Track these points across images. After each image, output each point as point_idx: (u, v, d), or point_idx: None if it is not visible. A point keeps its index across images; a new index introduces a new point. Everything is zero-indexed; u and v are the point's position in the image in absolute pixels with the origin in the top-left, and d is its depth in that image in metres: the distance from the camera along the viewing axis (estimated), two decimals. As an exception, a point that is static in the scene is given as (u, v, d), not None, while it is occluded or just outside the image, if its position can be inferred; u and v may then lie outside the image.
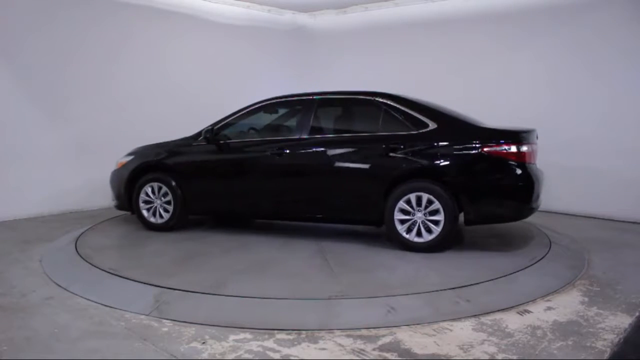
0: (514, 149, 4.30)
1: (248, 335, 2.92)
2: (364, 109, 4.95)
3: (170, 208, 5.18)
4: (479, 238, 4.93)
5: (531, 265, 4.08)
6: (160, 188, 5.21)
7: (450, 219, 4.33)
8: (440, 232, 4.35)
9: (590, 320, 3.16)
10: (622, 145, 5.97)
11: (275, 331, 2.96)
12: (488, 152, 4.33)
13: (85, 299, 3.48)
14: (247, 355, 2.68)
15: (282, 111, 5.32)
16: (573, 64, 6.31)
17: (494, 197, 4.39)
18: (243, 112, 5.20)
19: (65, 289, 3.66)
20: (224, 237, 5.06)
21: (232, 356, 2.68)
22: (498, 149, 4.32)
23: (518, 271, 3.92)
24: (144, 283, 3.61)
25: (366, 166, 4.62)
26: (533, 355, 2.69)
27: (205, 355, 2.69)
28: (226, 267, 4.06)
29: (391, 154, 4.52)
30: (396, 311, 3.19)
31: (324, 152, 4.76)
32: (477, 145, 4.35)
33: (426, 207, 4.38)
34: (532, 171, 4.37)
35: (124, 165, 5.40)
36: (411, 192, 4.42)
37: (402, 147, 4.50)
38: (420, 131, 4.52)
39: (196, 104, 7.43)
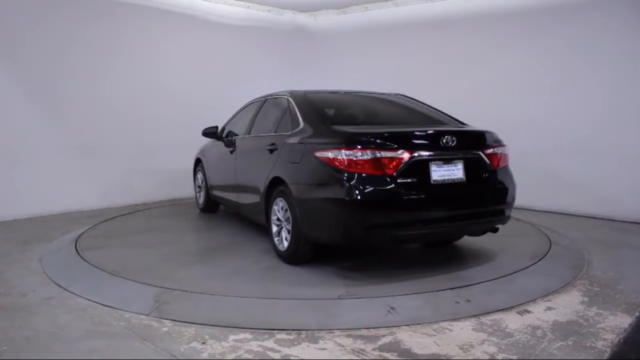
0: (331, 154, 3.56)
1: (248, 335, 2.91)
2: (280, 109, 4.76)
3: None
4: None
5: (531, 265, 4.08)
6: (201, 177, 6.34)
7: (298, 229, 3.82)
8: (290, 242, 3.94)
9: (590, 320, 3.15)
10: (621, 145, 5.96)
11: (275, 331, 2.96)
12: (318, 157, 3.66)
13: (85, 299, 3.48)
14: (247, 355, 2.68)
15: (253, 111, 5.37)
16: (573, 63, 6.31)
17: (314, 210, 3.72)
18: (239, 112, 5.73)
19: (65, 289, 3.67)
20: (220, 221, 5.89)
21: (232, 356, 2.68)
22: (324, 154, 3.63)
23: (518, 271, 3.92)
24: (144, 283, 3.61)
25: (255, 167, 4.59)
26: (533, 355, 2.68)
27: (205, 355, 2.69)
28: (144, 241, 4.89)
29: (270, 155, 4.32)
30: (396, 311, 3.19)
31: (242, 151, 5.10)
32: (312, 147, 3.77)
33: (286, 214, 4.04)
34: (365, 183, 3.45)
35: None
36: (277, 196, 4.14)
37: (277, 148, 4.25)
38: (292, 131, 4.17)
39: (195, 104, 7.45)
